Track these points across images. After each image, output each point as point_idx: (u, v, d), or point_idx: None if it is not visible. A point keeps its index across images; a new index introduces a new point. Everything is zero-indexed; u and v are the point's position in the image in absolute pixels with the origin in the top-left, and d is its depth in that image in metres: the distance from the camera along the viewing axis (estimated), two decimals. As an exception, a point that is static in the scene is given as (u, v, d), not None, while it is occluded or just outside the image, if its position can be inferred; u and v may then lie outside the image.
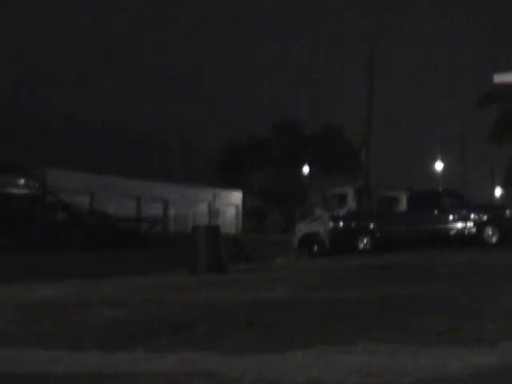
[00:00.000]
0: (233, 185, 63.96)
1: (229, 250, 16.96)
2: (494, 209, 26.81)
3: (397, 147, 68.70)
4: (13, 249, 29.07)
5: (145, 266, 19.04)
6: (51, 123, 58.87)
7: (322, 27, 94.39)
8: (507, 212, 24.31)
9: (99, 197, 46.77)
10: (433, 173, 55.38)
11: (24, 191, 34.17)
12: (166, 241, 37.21)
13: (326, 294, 9.60)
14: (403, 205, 25.28)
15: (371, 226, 24.63)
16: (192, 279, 13.35)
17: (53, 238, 32.35)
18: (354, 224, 25.02)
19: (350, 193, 27.52)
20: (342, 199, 27.33)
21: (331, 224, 25.22)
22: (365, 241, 24.43)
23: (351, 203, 27.21)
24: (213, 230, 16.29)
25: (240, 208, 63.97)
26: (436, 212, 24.15)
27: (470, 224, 23.72)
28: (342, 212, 26.49)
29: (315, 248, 26.15)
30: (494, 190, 57.79)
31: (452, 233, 23.84)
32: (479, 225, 23.64)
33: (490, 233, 23.50)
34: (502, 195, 57.55)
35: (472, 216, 23.83)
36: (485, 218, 23.81)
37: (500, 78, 22.60)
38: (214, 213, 58.64)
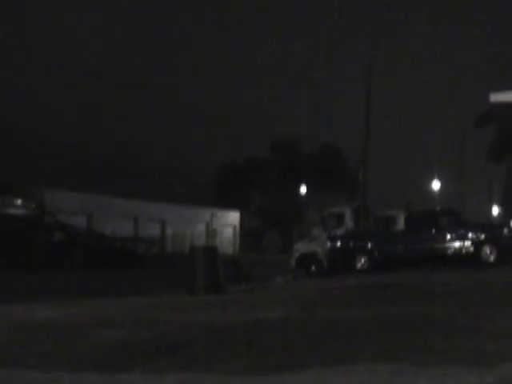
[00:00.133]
0: (230, 205, 63.99)
1: (227, 271, 16.97)
2: (491, 228, 26.85)
3: (394, 163, 68.85)
4: (11, 269, 29.02)
5: (143, 286, 19.03)
6: (49, 143, 58.95)
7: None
8: (505, 231, 24.36)
9: (97, 217, 46.79)
10: (430, 191, 55.44)
11: (22, 212, 34.20)
12: (164, 261, 37.20)
13: (324, 314, 9.60)
14: (401, 224, 25.33)
15: (369, 245, 24.64)
16: (190, 300, 13.34)
17: (51, 259, 32.31)
18: (351, 244, 25.04)
19: (348, 212, 27.58)
20: (340, 219, 27.39)
21: (329, 244, 25.22)
22: (363, 260, 24.42)
23: (349, 223, 27.27)
24: (210, 251, 16.30)
25: (238, 228, 63.96)
26: (434, 231, 24.18)
27: (467, 243, 23.75)
28: (339, 232, 26.53)
29: (313, 268, 26.17)
30: (491, 207, 57.78)
31: (450, 252, 23.86)
32: (477, 244, 23.67)
33: (488, 252, 23.52)
34: (499, 213, 57.55)
35: (470, 235, 23.86)
36: (482, 236, 23.84)
37: (496, 98, 22.75)
38: (211, 233, 58.64)
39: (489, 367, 5.65)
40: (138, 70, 78.18)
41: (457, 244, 23.84)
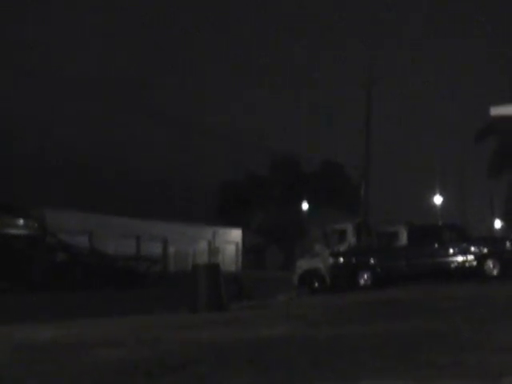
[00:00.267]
0: (232, 222, 63.97)
1: (229, 288, 16.92)
2: (494, 241, 26.78)
3: (396, 180, 68.78)
4: (13, 289, 28.99)
5: (144, 305, 18.98)
6: (50, 162, 59.04)
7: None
8: (507, 244, 24.29)
9: (98, 236, 46.73)
10: (432, 206, 55.37)
11: (23, 232, 34.17)
12: (166, 279, 37.14)
13: (327, 331, 9.56)
14: (403, 239, 25.25)
15: (371, 261, 24.60)
16: (192, 318, 13.30)
17: (53, 279, 32.27)
18: (354, 260, 24.99)
19: (350, 228, 27.53)
20: (342, 235, 27.35)
21: (331, 260, 25.18)
22: (365, 276, 24.37)
23: (351, 239, 27.22)
24: (213, 269, 16.26)
25: (240, 245, 63.91)
26: (436, 246, 24.14)
27: (470, 257, 23.70)
28: (342, 248, 26.49)
29: (316, 284, 26.12)
30: (493, 221, 57.76)
31: (453, 266, 23.80)
32: (480, 258, 23.62)
33: (491, 265, 23.47)
34: (502, 227, 57.49)
35: (472, 249, 23.82)
36: (485, 250, 23.80)
37: (496, 111, 22.73)
38: (213, 251, 58.58)
39: (492, 381, 5.61)
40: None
41: (460, 258, 23.79)
